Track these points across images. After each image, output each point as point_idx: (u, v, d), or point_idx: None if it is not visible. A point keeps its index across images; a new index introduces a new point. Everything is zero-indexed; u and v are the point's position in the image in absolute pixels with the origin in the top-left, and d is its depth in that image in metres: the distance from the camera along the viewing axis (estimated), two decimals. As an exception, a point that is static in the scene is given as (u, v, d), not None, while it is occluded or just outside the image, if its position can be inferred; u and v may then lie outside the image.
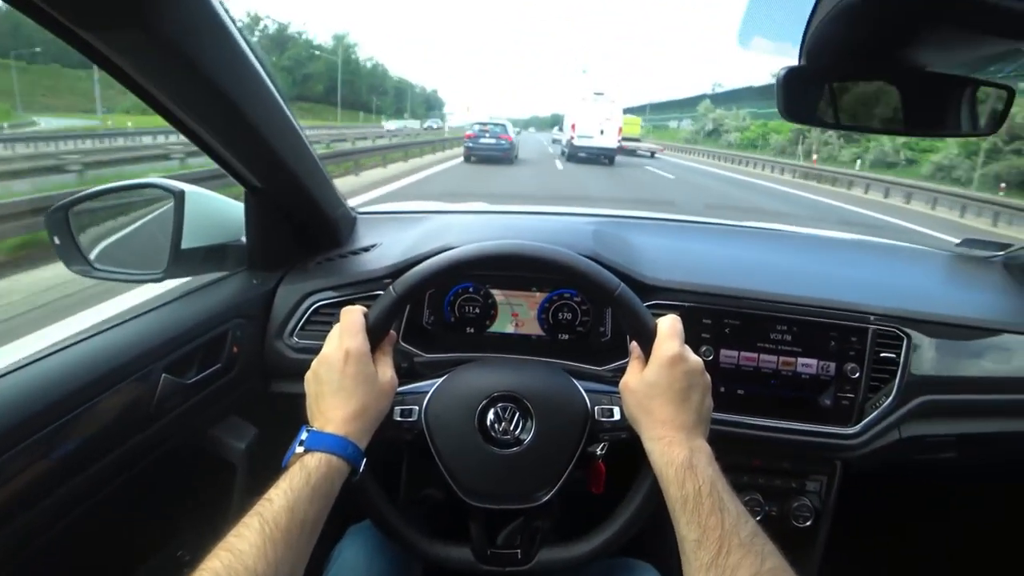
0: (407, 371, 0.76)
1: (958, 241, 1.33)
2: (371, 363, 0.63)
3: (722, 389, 0.88)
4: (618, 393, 0.66)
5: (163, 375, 0.73)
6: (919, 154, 23.48)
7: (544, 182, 13.00)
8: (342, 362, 0.61)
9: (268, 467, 0.59)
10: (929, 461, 0.96)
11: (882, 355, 0.89)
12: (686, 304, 0.90)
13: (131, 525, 0.77)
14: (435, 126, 45.17)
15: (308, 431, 0.59)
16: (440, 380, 0.71)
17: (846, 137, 26.50)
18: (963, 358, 0.93)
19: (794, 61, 0.58)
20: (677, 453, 0.57)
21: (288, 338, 0.93)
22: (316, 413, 0.61)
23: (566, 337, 0.98)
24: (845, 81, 0.65)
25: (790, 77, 0.59)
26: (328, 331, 0.65)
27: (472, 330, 0.99)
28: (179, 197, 0.83)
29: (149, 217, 0.93)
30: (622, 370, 0.67)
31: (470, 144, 17.27)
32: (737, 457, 0.92)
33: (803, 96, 0.63)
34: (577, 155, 19.03)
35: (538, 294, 0.98)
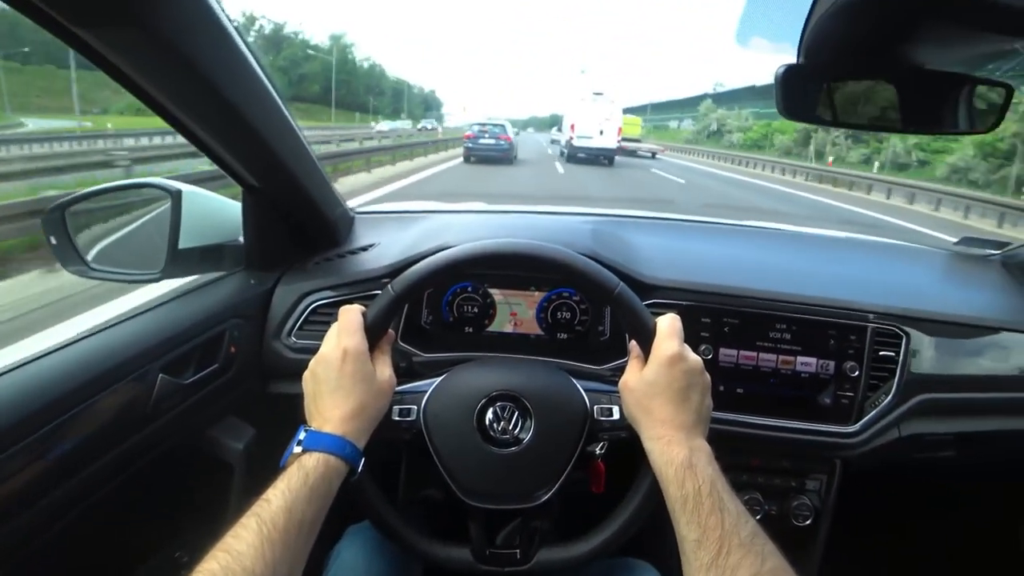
0: (405, 371, 0.76)
1: (956, 240, 1.34)
2: (369, 362, 0.63)
3: (721, 388, 0.88)
4: (617, 392, 0.66)
5: (160, 375, 0.72)
6: (931, 155, 22.74)
7: (543, 184, 12.72)
8: (340, 361, 0.61)
9: (266, 467, 0.59)
10: (928, 459, 0.96)
11: (881, 353, 0.89)
12: (685, 303, 0.90)
13: (129, 526, 0.76)
14: (430, 127, 43.00)
15: (306, 431, 0.59)
16: (439, 379, 0.70)
17: (854, 137, 25.80)
18: (962, 356, 0.93)
19: (793, 59, 0.58)
20: (677, 452, 0.57)
21: (286, 338, 0.92)
22: (314, 413, 0.61)
23: (565, 336, 0.98)
24: (843, 79, 0.64)
25: (789, 75, 0.59)
26: (326, 331, 0.65)
27: (471, 329, 0.99)
28: (176, 197, 0.83)
29: (147, 217, 0.93)
30: (621, 369, 0.67)
31: (469, 144, 17.32)
32: (736, 456, 0.92)
33: (802, 94, 0.63)
34: (576, 155, 18.94)
35: (537, 293, 0.98)
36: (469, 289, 0.98)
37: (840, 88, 0.65)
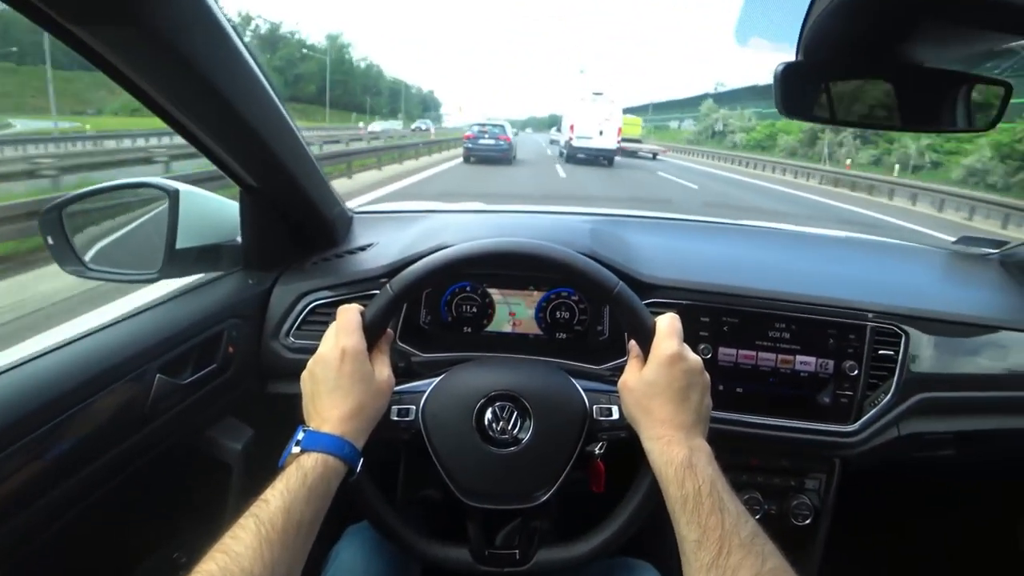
0: (404, 371, 0.75)
1: (955, 239, 1.34)
2: (368, 362, 0.62)
3: (720, 387, 0.88)
4: (616, 392, 0.66)
5: (157, 375, 0.72)
6: (944, 156, 21.32)
7: (545, 192, 11.67)
8: (338, 361, 0.60)
9: (264, 468, 0.58)
10: (927, 458, 0.96)
11: (880, 352, 0.89)
12: (684, 302, 0.90)
13: (126, 527, 0.76)
14: (424, 127, 40.11)
15: (304, 431, 0.58)
16: (437, 379, 0.70)
17: (863, 138, 24.61)
18: (961, 355, 0.93)
19: (791, 57, 0.58)
20: (676, 452, 0.57)
21: (284, 338, 0.92)
22: (312, 413, 0.61)
23: (564, 336, 0.98)
24: (842, 77, 0.64)
25: (787, 73, 0.59)
26: (324, 331, 0.65)
27: (469, 329, 0.99)
28: (174, 196, 0.83)
29: (144, 218, 0.92)
30: (620, 369, 0.67)
31: (469, 145, 17.37)
32: (736, 456, 0.92)
33: (800, 92, 0.63)
34: (576, 156, 18.85)
35: (535, 293, 0.98)
36: (468, 289, 0.98)
37: (839, 86, 0.65)
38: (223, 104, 0.67)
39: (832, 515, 0.95)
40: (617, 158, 19.64)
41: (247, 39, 0.66)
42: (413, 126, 43.88)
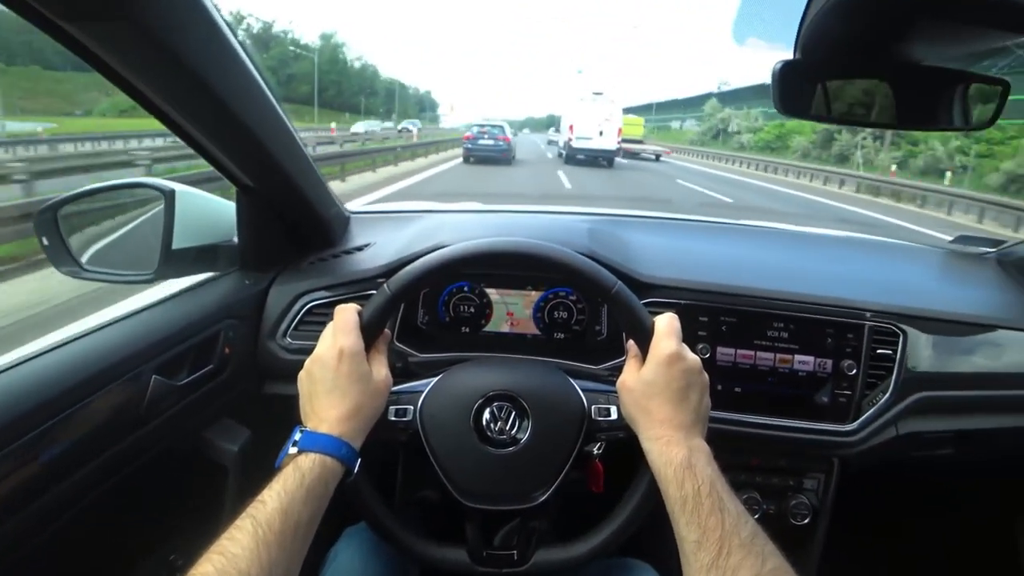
0: (402, 371, 0.75)
1: (952, 238, 1.34)
2: (365, 362, 0.62)
3: (719, 387, 0.88)
4: (615, 392, 0.66)
5: (154, 376, 0.72)
6: (974, 160, 18.81)
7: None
8: (336, 360, 0.60)
9: (261, 469, 0.58)
10: (926, 457, 0.96)
11: (878, 351, 0.89)
12: (682, 302, 0.90)
13: (123, 529, 0.76)
14: (412, 128, 35.64)
15: (302, 432, 0.58)
16: (435, 379, 0.70)
17: (884, 139, 22.42)
18: (958, 354, 0.93)
19: (789, 55, 0.58)
20: (676, 453, 0.57)
21: (281, 339, 0.92)
22: (310, 413, 0.60)
23: (562, 336, 0.98)
24: (839, 76, 0.64)
25: (785, 71, 0.59)
26: (322, 331, 0.65)
27: (467, 329, 0.99)
28: (170, 197, 0.82)
29: (141, 219, 0.92)
30: (619, 369, 0.66)
31: (469, 145, 17.41)
32: (735, 456, 0.92)
33: (798, 90, 0.63)
34: (575, 157, 18.61)
35: (533, 293, 0.98)
36: (465, 289, 0.98)
37: (836, 85, 0.65)
38: (218, 103, 0.67)
39: (831, 515, 0.95)
40: (623, 161, 19.21)
41: (239, 38, 0.65)
42: (400, 126, 40.57)
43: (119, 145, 16.00)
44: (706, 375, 0.63)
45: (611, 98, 19.34)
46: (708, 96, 47.41)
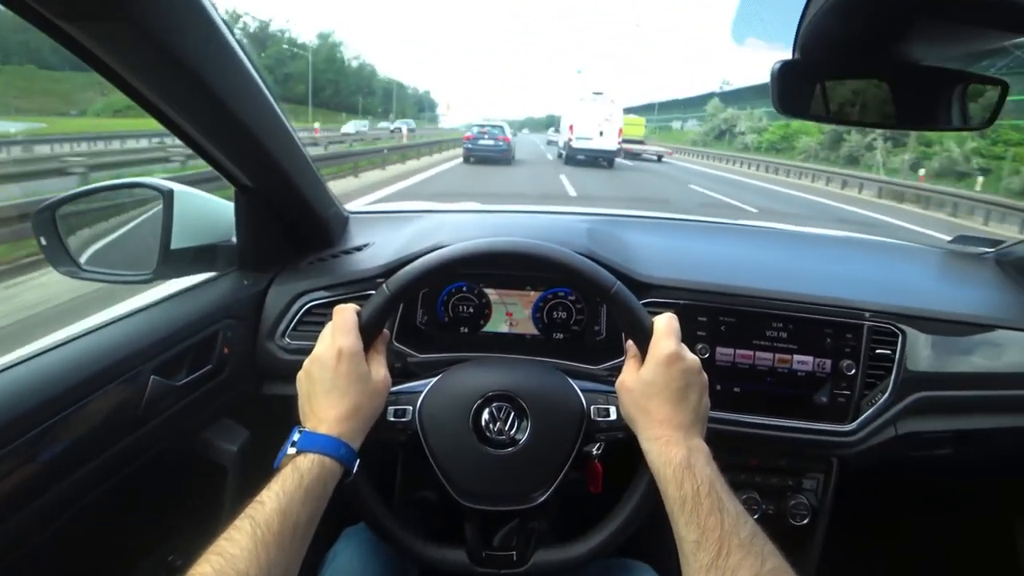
0: (401, 371, 0.75)
1: (951, 238, 1.34)
2: (364, 362, 0.62)
3: (718, 387, 0.88)
4: (614, 392, 0.66)
5: (152, 377, 0.72)
6: (992, 162, 17.83)
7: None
8: (335, 361, 0.60)
9: (260, 470, 0.58)
10: (925, 457, 0.96)
11: (877, 351, 0.89)
12: (681, 302, 0.90)
13: (121, 529, 0.75)
14: (403, 128, 33.75)
15: (300, 432, 0.58)
16: (434, 380, 0.70)
17: (895, 140, 21.40)
18: (957, 354, 0.93)
19: (789, 55, 0.58)
20: (675, 453, 0.56)
21: (280, 339, 0.92)
22: (308, 413, 0.60)
23: (561, 336, 0.98)
24: (838, 76, 0.64)
25: (784, 71, 0.59)
26: (320, 331, 0.64)
27: (466, 330, 0.99)
28: (168, 197, 0.82)
29: (140, 219, 0.92)
30: (617, 369, 0.66)
31: (469, 145, 17.45)
32: (734, 456, 0.92)
33: (797, 90, 0.63)
34: (576, 157, 18.44)
35: (532, 293, 0.98)
36: (464, 289, 0.98)
37: (835, 85, 0.65)
38: (217, 103, 0.67)
39: (830, 515, 0.95)
40: (627, 163, 18.86)
41: (236, 37, 0.65)
42: (393, 127, 38.24)
43: (100, 146, 15.53)
44: (705, 375, 0.63)
45: (611, 98, 19.14)
46: (710, 96, 46.54)
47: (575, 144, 18.42)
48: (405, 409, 0.67)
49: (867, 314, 0.90)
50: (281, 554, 0.49)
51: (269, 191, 0.89)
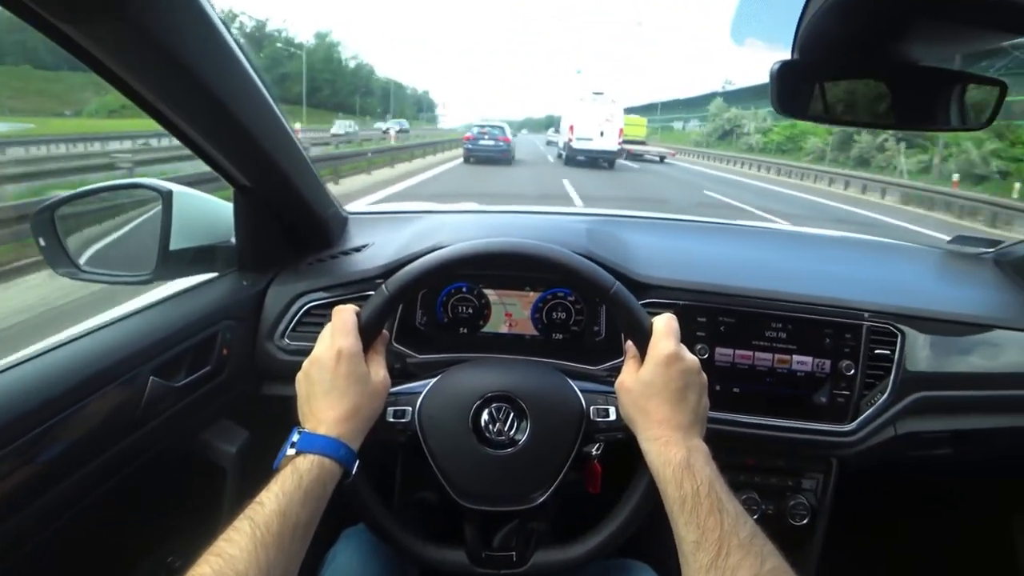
0: (400, 372, 0.75)
1: (949, 239, 1.34)
2: (363, 363, 0.62)
3: (717, 387, 0.88)
4: (613, 393, 0.66)
5: (151, 378, 0.72)
6: (1011, 164, 16.83)
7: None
8: (334, 362, 0.60)
9: (259, 470, 0.58)
10: (924, 457, 0.96)
11: (876, 352, 0.89)
12: (681, 302, 0.90)
13: (120, 531, 0.75)
14: (392, 130, 31.84)
15: (300, 433, 0.58)
16: (433, 380, 0.70)
17: (908, 141, 20.03)
18: (956, 354, 0.93)
19: (787, 56, 0.58)
20: (674, 453, 0.56)
21: (279, 339, 0.91)
22: (308, 414, 0.60)
23: (560, 337, 0.98)
24: (837, 76, 0.65)
25: (784, 71, 0.59)
26: (320, 332, 0.64)
27: (465, 330, 0.99)
28: (167, 197, 0.82)
29: (139, 220, 0.92)
30: (617, 370, 0.66)
31: (470, 146, 17.50)
32: (733, 456, 0.92)
33: (796, 90, 0.63)
34: (576, 158, 18.26)
35: (532, 293, 0.97)
36: (464, 290, 0.98)
37: (834, 85, 0.65)
38: (216, 103, 0.67)
39: (829, 515, 0.95)
40: (633, 165, 18.47)
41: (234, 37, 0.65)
42: (385, 127, 36.86)
43: (80, 148, 15.26)
44: (704, 375, 0.63)
45: (612, 98, 18.93)
46: (712, 96, 45.70)
47: (575, 145, 18.25)
48: (404, 410, 0.67)
49: (866, 314, 0.90)
50: (280, 555, 0.49)
51: (268, 191, 0.89)
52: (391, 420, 0.66)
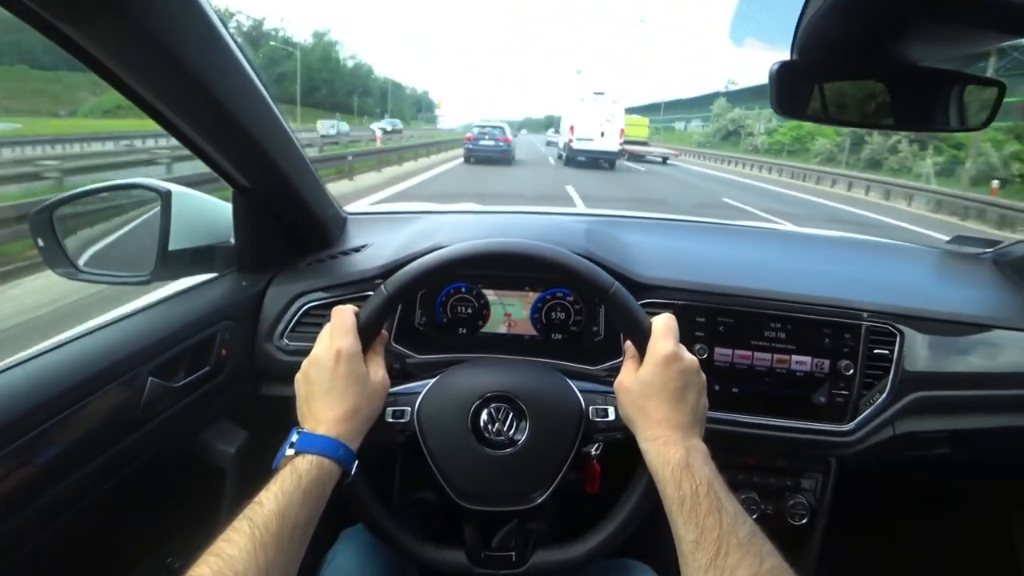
0: (399, 372, 0.75)
1: (948, 239, 1.34)
2: (362, 363, 0.62)
3: (717, 387, 0.88)
4: (612, 393, 0.66)
5: (150, 378, 0.72)
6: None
7: None
8: (333, 362, 0.60)
9: (258, 471, 0.58)
10: (923, 457, 0.96)
11: (875, 352, 0.89)
12: (680, 302, 0.90)
13: (119, 531, 0.75)
14: (378, 131, 29.56)
15: (299, 433, 0.58)
16: (432, 381, 0.70)
17: (920, 143, 19.57)
18: (955, 354, 0.93)
19: (786, 57, 0.58)
20: (673, 453, 0.57)
21: (278, 340, 0.91)
22: (307, 414, 0.60)
23: (559, 337, 0.98)
24: (836, 76, 0.65)
25: (783, 71, 0.59)
26: (319, 332, 0.64)
27: (465, 331, 0.99)
28: (166, 198, 0.82)
29: (138, 220, 0.92)
30: (616, 370, 0.66)
31: (470, 146, 17.51)
32: (732, 456, 0.92)
33: (795, 90, 0.63)
34: (576, 159, 18.09)
35: (531, 294, 0.98)
36: (463, 290, 0.98)
37: (833, 86, 0.65)
38: (215, 103, 0.67)
39: (828, 514, 0.96)
40: (640, 167, 18.10)
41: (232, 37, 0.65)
42: (379, 127, 35.72)
43: (59, 149, 14.65)
44: (703, 375, 0.63)
45: (613, 98, 18.73)
46: (715, 96, 45.22)
47: (575, 145, 18.09)
48: (404, 410, 0.67)
49: (865, 314, 0.90)
50: (279, 555, 0.49)
51: (267, 192, 0.88)
52: (390, 420, 0.66)
